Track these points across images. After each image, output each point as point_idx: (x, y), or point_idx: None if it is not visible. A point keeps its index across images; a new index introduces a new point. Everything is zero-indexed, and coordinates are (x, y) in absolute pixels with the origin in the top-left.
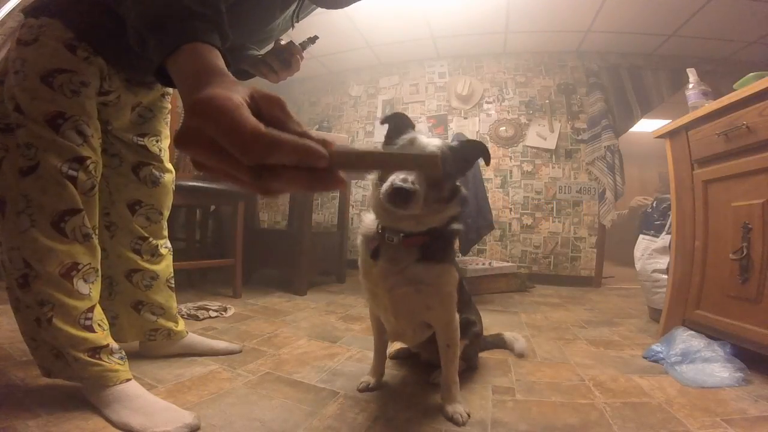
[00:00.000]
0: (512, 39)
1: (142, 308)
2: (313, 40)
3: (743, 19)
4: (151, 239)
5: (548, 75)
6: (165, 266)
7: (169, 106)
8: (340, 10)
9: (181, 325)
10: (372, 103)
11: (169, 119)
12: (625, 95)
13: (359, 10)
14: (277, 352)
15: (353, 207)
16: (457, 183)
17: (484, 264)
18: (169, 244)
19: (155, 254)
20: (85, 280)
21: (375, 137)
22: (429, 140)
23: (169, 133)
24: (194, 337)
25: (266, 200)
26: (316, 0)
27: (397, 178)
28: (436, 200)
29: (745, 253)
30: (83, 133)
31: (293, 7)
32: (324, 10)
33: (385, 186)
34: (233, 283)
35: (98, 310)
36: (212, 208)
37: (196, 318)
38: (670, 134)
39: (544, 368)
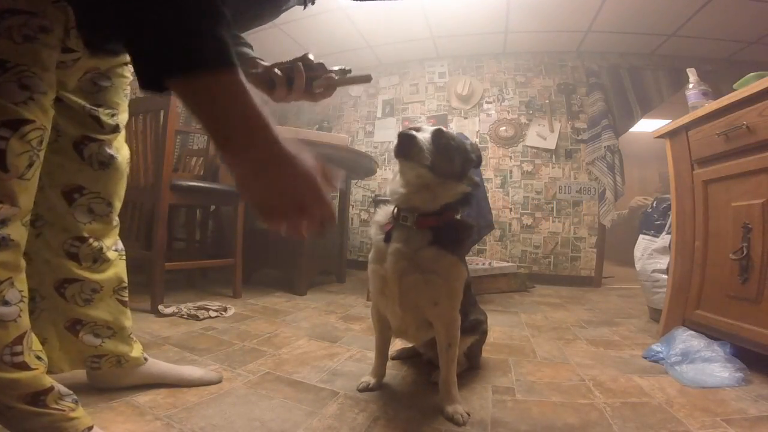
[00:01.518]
0: (512, 39)
1: (81, 329)
2: (344, 72)
3: (743, 19)
4: (91, 240)
5: (548, 75)
6: (113, 275)
7: (130, 76)
8: (339, 11)
9: (137, 350)
10: (372, 103)
11: (128, 91)
12: (625, 95)
13: (359, 10)
14: (277, 352)
15: (353, 207)
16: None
17: (484, 264)
18: (120, 246)
19: (99, 259)
20: (6, 302)
21: (375, 137)
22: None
23: (127, 107)
24: (158, 365)
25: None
26: None
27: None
28: (448, 173)
29: (745, 253)
30: (29, 88)
31: None
32: (324, 10)
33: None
34: (233, 283)
35: (32, 338)
36: (212, 208)
37: (197, 318)
38: (670, 134)
39: (544, 368)
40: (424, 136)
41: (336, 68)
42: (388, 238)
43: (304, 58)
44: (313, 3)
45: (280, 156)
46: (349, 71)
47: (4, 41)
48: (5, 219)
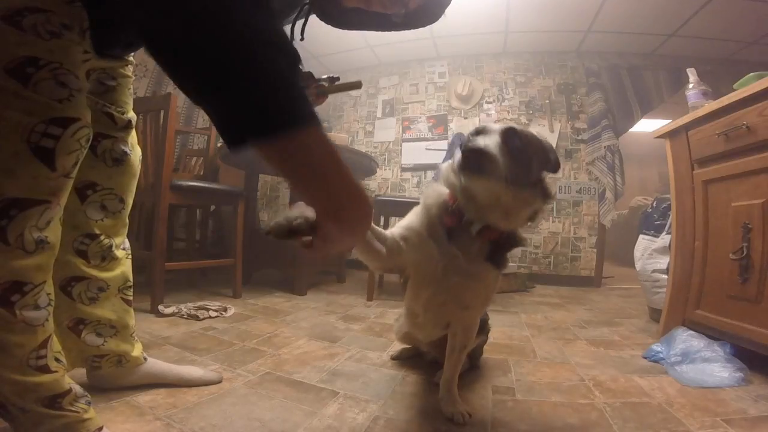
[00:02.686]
0: (512, 39)
1: (84, 328)
2: (333, 80)
3: (743, 19)
4: (102, 237)
5: (548, 75)
6: (120, 273)
7: (132, 75)
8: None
9: (138, 350)
10: (372, 103)
11: (132, 90)
12: (625, 95)
13: None
14: (277, 352)
15: None
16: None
17: None
18: (127, 245)
19: (107, 257)
20: (37, 306)
21: (375, 137)
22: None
23: (132, 105)
24: (158, 364)
25: (265, 201)
26: (324, 18)
27: (472, 142)
28: (525, 183)
29: (745, 253)
30: (66, 85)
31: (294, 16)
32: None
33: (457, 155)
34: (233, 283)
35: (54, 340)
36: (212, 208)
37: (196, 318)
38: (670, 134)
39: (544, 368)
40: (493, 140)
41: (324, 77)
42: (449, 235)
43: None
44: (302, 38)
45: (360, 197)
46: (338, 78)
47: (31, 38)
48: (50, 219)
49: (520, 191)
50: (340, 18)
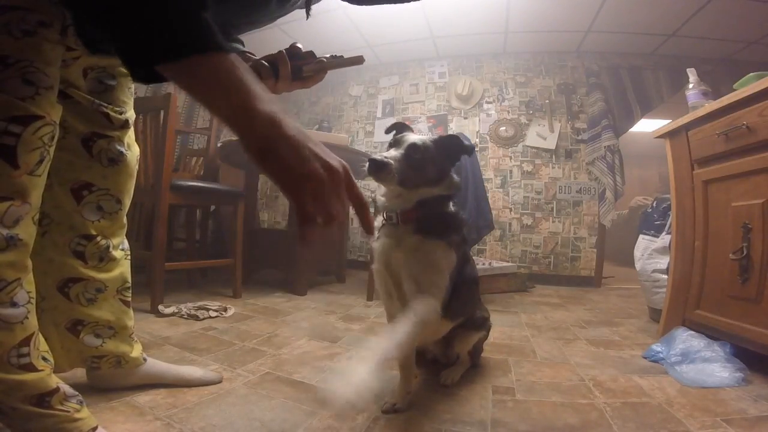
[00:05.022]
0: (512, 39)
1: (82, 329)
2: (336, 58)
3: (743, 19)
4: (99, 238)
5: (548, 75)
6: (118, 274)
7: None
8: (339, 11)
9: (137, 351)
10: (372, 103)
11: (133, 89)
12: (625, 95)
13: (359, 10)
14: (277, 352)
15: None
16: (452, 174)
17: (484, 264)
18: (126, 245)
19: (105, 258)
20: (14, 303)
21: (375, 137)
22: (415, 136)
23: (132, 104)
24: (158, 365)
25: (265, 201)
26: None
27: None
28: (423, 182)
29: (745, 253)
30: (33, 83)
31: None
32: (325, 9)
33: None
34: (233, 283)
35: (39, 338)
36: (212, 208)
37: (196, 318)
38: (670, 134)
39: (544, 368)
40: (396, 153)
41: (327, 55)
42: (379, 237)
43: (292, 47)
44: (308, 15)
45: (289, 136)
46: (341, 57)
47: (2, 37)
48: (18, 217)
49: (417, 187)
50: None
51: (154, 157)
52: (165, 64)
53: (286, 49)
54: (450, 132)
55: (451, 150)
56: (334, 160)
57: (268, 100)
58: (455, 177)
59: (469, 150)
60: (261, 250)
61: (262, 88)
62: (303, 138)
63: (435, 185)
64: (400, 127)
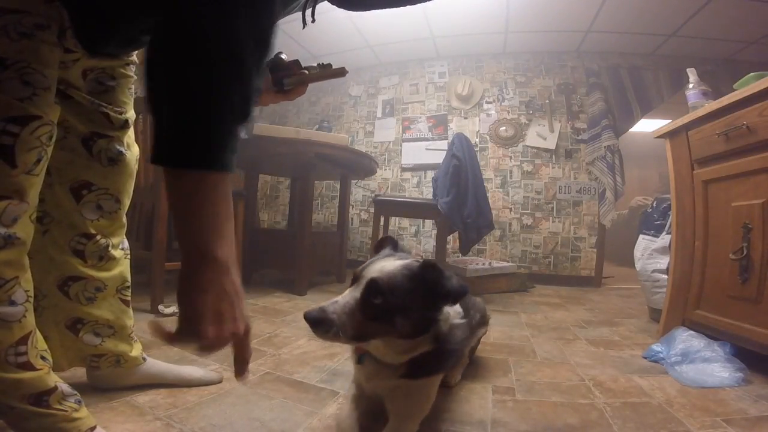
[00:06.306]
0: (512, 39)
1: (82, 328)
2: (323, 67)
3: (743, 19)
4: (98, 237)
5: (548, 75)
6: (118, 273)
7: (134, 75)
8: (339, 11)
9: (137, 350)
10: (372, 103)
11: (133, 90)
12: (625, 95)
13: None
14: (277, 352)
15: (353, 207)
16: (438, 321)
17: (484, 264)
18: (126, 245)
19: (105, 257)
20: (11, 302)
21: (375, 137)
22: (380, 266)
23: (132, 105)
24: (158, 364)
25: (265, 201)
26: (338, 2)
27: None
28: (398, 336)
29: (745, 253)
30: (31, 84)
31: (301, 1)
32: (324, 9)
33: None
34: None
35: (37, 337)
36: None
37: None
38: (670, 134)
39: (544, 368)
40: (349, 299)
41: (314, 65)
42: (360, 360)
43: (275, 58)
44: (313, 20)
45: (223, 290)
46: (329, 66)
47: (0, 39)
48: (16, 216)
49: (395, 343)
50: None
51: None
52: (189, 170)
53: (268, 61)
54: (450, 132)
55: (433, 288)
56: (241, 324)
57: (228, 242)
58: (442, 326)
59: (456, 294)
60: (261, 250)
61: (230, 224)
62: (232, 295)
63: (415, 338)
64: (380, 244)
